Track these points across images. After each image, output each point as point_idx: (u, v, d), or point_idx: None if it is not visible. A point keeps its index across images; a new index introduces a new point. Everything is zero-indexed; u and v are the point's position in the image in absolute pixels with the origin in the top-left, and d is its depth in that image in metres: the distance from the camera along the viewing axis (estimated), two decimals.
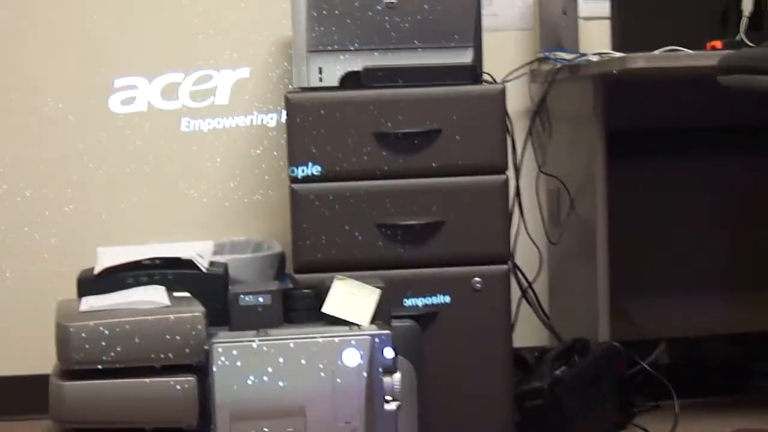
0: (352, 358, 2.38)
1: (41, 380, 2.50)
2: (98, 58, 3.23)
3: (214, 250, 2.84)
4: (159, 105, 3.26)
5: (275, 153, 3.25)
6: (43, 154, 3.23)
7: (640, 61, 2.73)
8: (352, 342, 2.39)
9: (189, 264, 2.69)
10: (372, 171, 2.71)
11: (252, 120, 3.27)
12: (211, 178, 3.27)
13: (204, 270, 2.69)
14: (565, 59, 3.00)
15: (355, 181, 2.70)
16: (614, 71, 2.75)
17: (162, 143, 3.26)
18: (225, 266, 2.75)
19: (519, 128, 3.15)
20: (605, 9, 3.03)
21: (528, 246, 3.20)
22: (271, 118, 3.26)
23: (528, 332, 3.21)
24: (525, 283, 3.12)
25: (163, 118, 3.25)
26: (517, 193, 3.09)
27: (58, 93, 3.23)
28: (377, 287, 2.52)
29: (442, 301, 2.71)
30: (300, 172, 2.69)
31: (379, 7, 2.73)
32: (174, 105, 3.26)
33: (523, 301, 3.13)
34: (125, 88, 3.24)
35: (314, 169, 2.69)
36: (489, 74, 2.91)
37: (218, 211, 3.27)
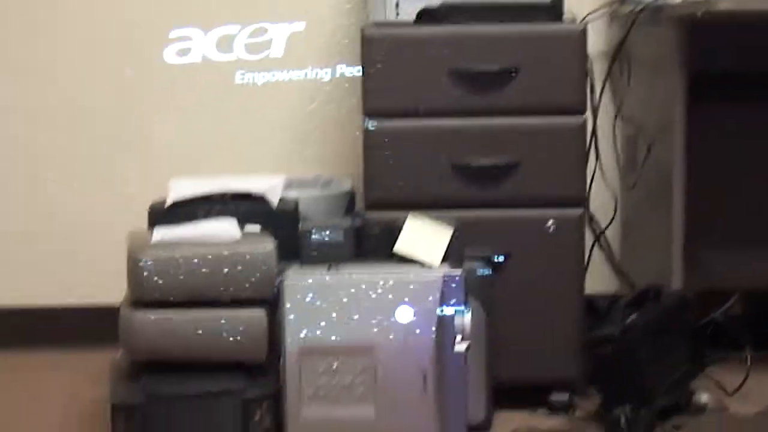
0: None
1: (114, 311, 2.51)
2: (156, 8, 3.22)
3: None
4: (214, 57, 3.24)
5: (328, 107, 3.23)
6: (95, 104, 3.24)
7: (727, 2, 2.65)
8: (412, 286, 2.39)
9: (259, 199, 2.67)
10: (447, 109, 2.66)
11: (306, 74, 3.24)
12: (266, 131, 3.25)
13: (274, 205, 2.67)
14: (647, 0, 2.93)
15: (430, 118, 2.66)
16: (698, 13, 2.68)
17: (216, 95, 3.24)
18: (296, 202, 2.74)
19: (597, 71, 3.10)
20: None
21: (603, 191, 3.15)
22: (326, 73, 3.23)
23: (600, 278, 3.17)
24: (599, 228, 3.08)
25: (217, 70, 3.24)
26: (594, 136, 3.03)
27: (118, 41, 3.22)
28: (450, 226, 2.50)
29: (514, 243, 2.67)
30: (374, 107, 2.66)
31: None
32: (229, 57, 3.24)
33: (596, 247, 3.08)
34: (180, 40, 3.23)
35: (388, 105, 2.66)
36: (570, 13, 2.84)
37: (272, 161, 3.24)
